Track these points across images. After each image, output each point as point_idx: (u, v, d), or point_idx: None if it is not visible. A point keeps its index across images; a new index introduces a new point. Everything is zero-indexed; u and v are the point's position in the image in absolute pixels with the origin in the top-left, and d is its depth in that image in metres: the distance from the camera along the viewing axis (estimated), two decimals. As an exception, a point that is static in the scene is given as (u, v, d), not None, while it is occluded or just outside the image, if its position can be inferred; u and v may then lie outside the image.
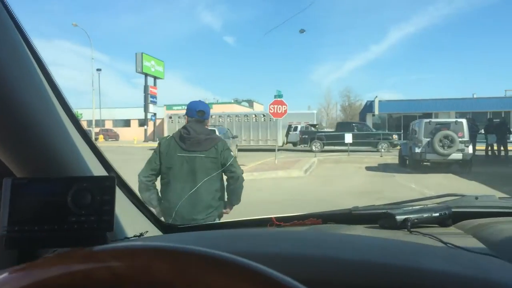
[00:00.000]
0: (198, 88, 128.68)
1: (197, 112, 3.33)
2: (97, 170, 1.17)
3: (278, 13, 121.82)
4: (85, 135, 1.13)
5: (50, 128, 0.97)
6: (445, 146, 14.03)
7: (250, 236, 1.31)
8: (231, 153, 3.33)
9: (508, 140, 19.90)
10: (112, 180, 0.83)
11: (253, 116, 31.25)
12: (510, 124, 24.02)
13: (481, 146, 20.95)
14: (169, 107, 67.73)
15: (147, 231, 1.31)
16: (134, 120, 58.24)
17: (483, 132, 20.60)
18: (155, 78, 45.99)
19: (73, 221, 0.81)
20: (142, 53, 42.95)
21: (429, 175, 13.97)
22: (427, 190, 10.63)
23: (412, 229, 1.46)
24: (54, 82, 1.00)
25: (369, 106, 38.82)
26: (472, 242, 1.28)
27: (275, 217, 1.75)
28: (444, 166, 14.75)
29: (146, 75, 43.91)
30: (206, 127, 3.38)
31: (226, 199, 3.37)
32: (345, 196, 9.99)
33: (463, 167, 14.14)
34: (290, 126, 31.08)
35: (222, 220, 1.73)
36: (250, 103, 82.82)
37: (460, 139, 14.04)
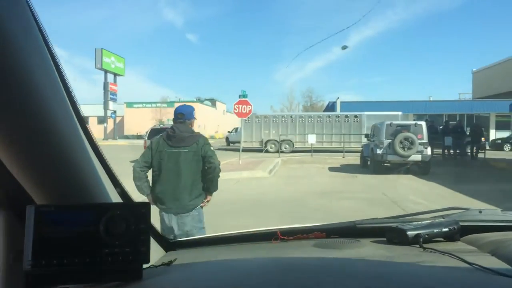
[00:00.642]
0: (159, 86, 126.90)
1: (177, 115, 4.01)
2: (114, 196, 1.07)
3: (241, 10, 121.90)
4: (100, 157, 1.02)
5: (73, 148, 0.85)
6: (405, 147, 14.42)
7: (256, 266, 1.25)
8: (211, 147, 3.96)
9: (480, 143, 20.73)
10: (148, 207, 0.75)
11: (335, 117, 29.92)
12: (465, 127, 25.01)
13: (437, 148, 21.78)
14: (129, 104, 66.47)
15: (175, 259, 1.24)
16: (93, 117, 56.66)
17: (440, 134, 21.39)
18: (115, 74, 44.90)
19: (107, 253, 0.73)
20: (102, 49, 41.84)
21: (389, 175, 14.31)
22: (388, 190, 10.88)
23: (424, 245, 1.46)
24: (73, 97, 0.88)
25: (331, 107, 39.46)
26: (496, 263, 1.27)
27: (280, 231, 1.69)
28: (404, 167, 15.17)
29: (106, 71, 42.80)
30: (190, 126, 4.01)
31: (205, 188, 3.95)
32: (309, 196, 10.07)
33: (422, 168, 14.58)
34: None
35: (226, 232, 1.67)
36: (213, 102, 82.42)
37: (419, 141, 14.46)
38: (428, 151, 14.78)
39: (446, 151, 20.78)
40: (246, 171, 14.86)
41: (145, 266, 0.99)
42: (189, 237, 3.69)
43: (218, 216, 7.86)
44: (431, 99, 43.50)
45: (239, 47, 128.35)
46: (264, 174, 14.61)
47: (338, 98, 38.37)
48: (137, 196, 3.54)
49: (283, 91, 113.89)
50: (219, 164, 3.96)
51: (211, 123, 73.70)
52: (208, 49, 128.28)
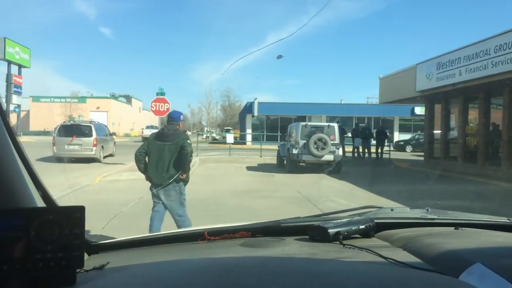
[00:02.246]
0: (70, 80, 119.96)
1: (169, 118, 5.76)
2: (39, 200, 0.99)
3: (159, 8, 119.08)
4: (23, 157, 0.91)
5: None
6: (319, 148, 15.04)
7: (190, 268, 1.23)
8: (187, 140, 5.54)
9: (385, 144, 22.13)
10: (82, 211, 0.68)
11: None
12: (372, 129, 26.77)
13: (348, 148, 22.99)
14: (36, 98, 62.00)
15: (108, 262, 1.18)
16: (-7, 111, 52.02)
17: (350, 135, 22.63)
18: (20, 66, 41.57)
19: (38, 259, 0.68)
20: (4, 38, 38.51)
21: (304, 175, 14.83)
22: (303, 189, 11.26)
23: (343, 241, 1.52)
24: None
25: (249, 107, 39.99)
26: (408, 256, 1.36)
27: (206, 231, 1.66)
28: (318, 167, 15.81)
29: (9, 62, 39.47)
30: (178, 126, 5.61)
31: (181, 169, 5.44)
32: (227, 195, 10.11)
33: (334, 168, 15.28)
34: None
35: (151, 234, 1.62)
36: (128, 98, 79.60)
37: (332, 142, 15.16)
38: (340, 151, 15.55)
39: (356, 151, 22.01)
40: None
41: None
42: (175, 206, 5.46)
43: (132, 217, 7.60)
44: (343, 102, 45.92)
45: (156, 44, 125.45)
46: (182, 173, 14.39)
47: (256, 98, 38.98)
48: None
49: (202, 90, 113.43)
50: (191, 151, 5.52)
51: (126, 120, 71.15)
52: (123, 45, 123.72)
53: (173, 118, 5.69)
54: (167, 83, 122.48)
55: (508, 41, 12.24)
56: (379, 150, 21.61)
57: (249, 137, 37.57)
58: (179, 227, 5.21)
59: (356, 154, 21.82)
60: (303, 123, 16.26)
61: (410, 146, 32.33)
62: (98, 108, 62.76)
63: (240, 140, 39.63)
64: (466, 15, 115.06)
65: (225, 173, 15.44)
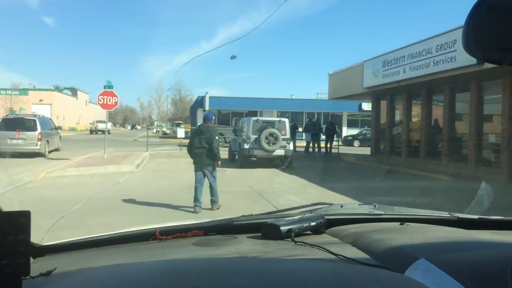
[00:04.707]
0: (10, 71, 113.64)
1: (204, 118, 8.44)
2: None
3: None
4: None
5: None
6: (270, 143, 15.18)
7: (142, 270, 1.20)
8: (216, 137, 8.13)
9: (334, 139, 22.58)
10: (28, 216, 0.64)
11: None
12: (322, 124, 27.25)
13: (299, 143, 23.32)
14: (-28, 90, 58.23)
15: (55, 268, 1.13)
16: None
17: (301, 130, 22.96)
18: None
19: None
20: None
21: (256, 169, 14.93)
22: (255, 183, 11.33)
23: (295, 238, 1.54)
24: None
25: (200, 102, 39.58)
26: (357, 252, 1.40)
27: (158, 230, 1.63)
28: (269, 161, 15.96)
29: None
30: (210, 124, 8.23)
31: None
32: (179, 190, 9.99)
33: (285, 162, 15.47)
34: None
35: (99, 234, 1.56)
36: (74, 91, 76.54)
37: (283, 137, 15.33)
38: (291, 146, 15.76)
39: (308, 146, 22.35)
40: (112, 165, 14.17)
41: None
42: (211, 178, 8.00)
43: (81, 214, 7.37)
44: (293, 97, 46.52)
45: (103, 34, 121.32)
46: (132, 169, 14.09)
47: (207, 93, 38.68)
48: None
49: (152, 83, 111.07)
50: (218, 146, 8.15)
51: (71, 114, 68.44)
52: (68, 34, 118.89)
53: (207, 118, 8.37)
54: (116, 76, 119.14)
55: (448, 41, 12.83)
56: (329, 145, 22.08)
57: (200, 132, 37.28)
58: (210, 189, 8.00)
59: (308, 149, 22.14)
60: (255, 118, 16.36)
61: (357, 141, 33.30)
62: (41, 101, 59.94)
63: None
64: (414, 14, 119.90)
65: (176, 168, 15.24)
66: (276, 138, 15.18)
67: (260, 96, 41.86)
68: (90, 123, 55.31)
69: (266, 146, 15.14)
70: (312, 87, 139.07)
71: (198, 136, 8.09)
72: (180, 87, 73.60)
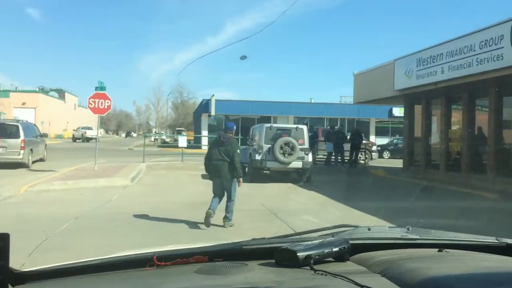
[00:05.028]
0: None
1: (224, 128, 9.01)
2: None
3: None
4: None
5: None
6: (286, 153, 15.16)
7: None
8: (238, 150, 8.54)
9: (360, 149, 22.50)
10: (6, 239, 0.65)
11: None
12: (346, 131, 27.18)
13: (321, 154, 23.23)
14: None
15: None
16: None
17: (323, 139, 22.89)
18: None
19: None
20: None
21: (269, 184, 14.90)
22: (268, 201, 11.31)
23: (314, 266, 1.52)
24: None
25: (205, 105, 39.81)
26: (387, 284, 1.38)
27: (156, 255, 1.62)
28: (284, 175, 15.91)
29: None
30: (231, 135, 8.65)
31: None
32: (179, 208, 10.03)
33: (303, 177, 15.43)
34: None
35: (88, 259, 1.55)
36: (61, 93, 77.51)
37: (300, 147, 15.31)
38: (309, 157, 15.73)
39: (328, 157, 22.28)
40: (104, 178, 14.27)
41: None
42: (226, 191, 8.55)
43: (68, 235, 7.41)
44: (312, 101, 46.51)
45: (95, 29, 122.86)
46: (126, 182, 14.18)
47: (213, 95, 38.93)
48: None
49: (150, 85, 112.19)
50: (240, 161, 8.67)
51: (58, 119, 69.24)
52: (55, 29, 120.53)
53: (228, 128, 8.84)
54: (109, 76, 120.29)
55: (494, 36, 12.74)
56: (354, 157, 21.98)
57: (205, 140, 37.37)
58: (226, 205, 8.48)
59: (333, 161, 22.03)
60: (268, 125, 16.37)
61: (387, 152, 33.06)
62: (24, 104, 60.75)
63: (195, 143, 39.28)
64: (450, 8, 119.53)
65: (177, 182, 15.29)
66: (293, 148, 15.17)
67: (274, 100, 42.00)
68: (74, 130, 55.85)
69: (281, 158, 15.13)
70: (334, 90, 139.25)
71: (217, 147, 8.50)
72: (182, 89, 74.03)
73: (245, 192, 13.01)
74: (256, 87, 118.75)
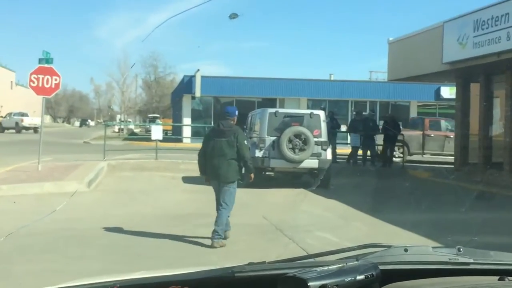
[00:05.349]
0: None
1: (224, 113, 9.27)
2: None
3: None
4: None
5: None
6: (296, 148, 15.10)
7: None
8: (245, 141, 8.81)
9: (396, 143, 22.44)
10: None
11: None
12: (378, 119, 27.11)
13: (342, 149, 23.19)
14: None
15: None
16: None
17: (346, 130, 22.88)
18: None
19: None
20: None
21: (273, 190, 14.90)
22: (271, 213, 11.32)
23: None
24: None
25: (187, 84, 39.70)
26: None
27: (118, 285, 1.62)
28: (293, 178, 15.88)
29: None
30: (233, 122, 8.85)
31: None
32: (152, 222, 10.04)
33: (319, 179, 15.35)
34: None
35: None
36: (-7, 67, 77.49)
37: (316, 139, 15.27)
38: (328, 154, 15.70)
39: (352, 154, 22.24)
40: (50, 182, 14.27)
41: None
42: (221, 197, 8.60)
43: (1, 257, 7.41)
44: (332, 78, 46.45)
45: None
46: (80, 187, 14.17)
47: (198, 70, 38.81)
48: None
49: (112, 56, 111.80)
50: (249, 154, 8.95)
51: (-11, 101, 69.19)
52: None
53: (228, 113, 8.93)
54: (57, 46, 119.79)
55: None
56: (388, 153, 21.94)
57: (187, 131, 37.36)
58: (218, 214, 8.51)
59: (356, 159, 22.03)
60: (272, 110, 16.31)
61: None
62: None
63: (174, 135, 39.19)
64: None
65: (149, 187, 15.31)
66: (306, 142, 15.14)
67: (281, 77, 41.94)
68: (1, 117, 55.37)
69: (289, 154, 15.10)
70: (362, 63, 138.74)
71: (216, 139, 8.69)
72: (156, 61, 74.10)
73: (241, 200, 12.98)
74: (257, 59, 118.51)
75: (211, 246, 8.20)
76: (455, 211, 11.27)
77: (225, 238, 8.47)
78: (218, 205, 8.58)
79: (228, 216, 8.67)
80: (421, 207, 11.90)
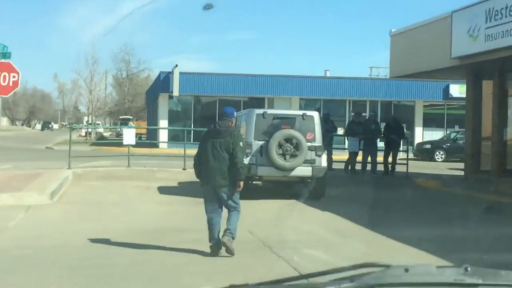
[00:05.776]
0: None
1: (222, 114, 9.61)
2: None
3: None
4: None
5: None
6: (287, 154, 15.07)
7: None
8: (241, 143, 9.07)
9: (399, 149, 22.40)
10: None
11: None
12: (379, 121, 27.03)
13: (339, 155, 23.19)
14: None
15: None
16: None
17: (344, 133, 22.84)
18: None
19: None
20: None
21: (260, 201, 14.87)
22: (255, 227, 11.31)
23: None
24: None
25: (163, 81, 39.62)
26: None
27: None
28: (284, 187, 15.83)
29: None
30: (230, 123, 9.33)
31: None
32: (124, 239, 9.98)
33: (313, 189, 15.32)
34: None
35: None
36: None
37: (309, 144, 15.25)
38: (323, 160, 15.68)
39: (350, 160, 22.21)
40: (6, 194, 14.19)
41: None
42: (226, 206, 9.17)
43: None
44: (328, 74, 46.51)
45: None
46: (42, 199, 14.11)
47: (177, 66, 38.79)
48: None
49: (79, 49, 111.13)
50: (243, 157, 9.32)
51: None
52: None
53: (227, 113, 9.40)
54: (15, 37, 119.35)
55: None
56: (393, 160, 21.92)
57: (164, 135, 37.35)
58: (228, 218, 9.04)
59: (354, 166, 21.99)
60: (260, 111, 16.30)
61: (441, 152, 33.21)
62: None
63: (149, 139, 39.14)
64: None
65: (121, 199, 15.25)
66: (298, 147, 15.11)
67: (270, 73, 41.99)
68: None
69: (279, 161, 15.08)
70: (360, 57, 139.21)
71: (211, 139, 9.12)
72: (129, 56, 73.94)
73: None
74: (243, 53, 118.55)
75: (225, 245, 8.59)
76: (464, 225, 11.31)
77: (229, 248, 8.64)
78: (213, 215, 8.99)
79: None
80: (426, 221, 11.97)
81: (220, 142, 8.89)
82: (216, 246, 8.75)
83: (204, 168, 8.99)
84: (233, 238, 8.74)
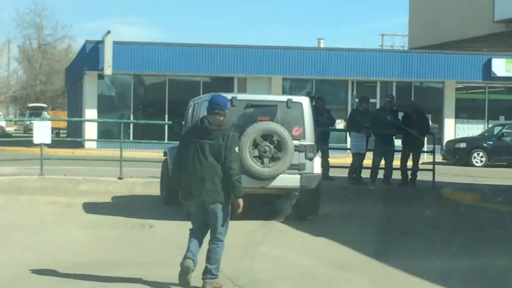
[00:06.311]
0: None
1: (211, 105, 9.28)
2: None
3: None
4: None
5: None
6: (266, 157, 15.11)
7: None
8: (236, 147, 8.97)
9: (422, 148, 22.52)
10: None
11: None
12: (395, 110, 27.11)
13: (338, 158, 23.29)
14: None
15: None
16: None
17: (345, 127, 22.95)
18: None
19: None
20: None
21: (230, 223, 14.97)
22: (225, 259, 11.41)
23: None
24: None
25: (90, 55, 39.55)
26: None
27: None
28: (261, 202, 15.93)
29: None
30: (222, 118, 9.18)
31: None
32: (35, 274, 10.03)
33: (302, 205, 15.46)
34: None
35: None
36: None
37: (297, 143, 15.32)
38: (316, 165, 15.77)
39: (355, 165, 22.34)
40: None
41: None
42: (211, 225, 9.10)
43: None
44: (322, 45, 46.74)
45: None
46: None
47: (109, 32, 38.76)
48: None
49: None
50: (238, 166, 9.13)
51: None
52: None
53: (218, 104, 9.27)
54: None
55: None
56: (410, 163, 22.07)
57: (91, 130, 37.33)
58: (209, 249, 9.06)
59: (359, 173, 22.08)
60: (228, 96, 16.36)
61: (481, 153, 33.42)
62: None
63: (70, 136, 39.07)
64: None
65: (30, 221, 15.25)
66: (280, 147, 15.14)
67: (242, 43, 42.01)
68: None
69: (254, 166, 15.09)
70: (368, 22, 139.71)
71: (198, 140, 9.04)
72: (41, 19, 73.52)
73: (177, 239, 13.15)
74: (203, 15, 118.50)
75: None
76: (508, 254, 11.47)
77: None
78: (196, 231, 9.17)
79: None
80: (456, 248, 12.10)
81: (208, 144, 8.81)
82: (190, 260, 8.80)
83: (187, 178, 8.97)
84: (215, 277, 8.92)
